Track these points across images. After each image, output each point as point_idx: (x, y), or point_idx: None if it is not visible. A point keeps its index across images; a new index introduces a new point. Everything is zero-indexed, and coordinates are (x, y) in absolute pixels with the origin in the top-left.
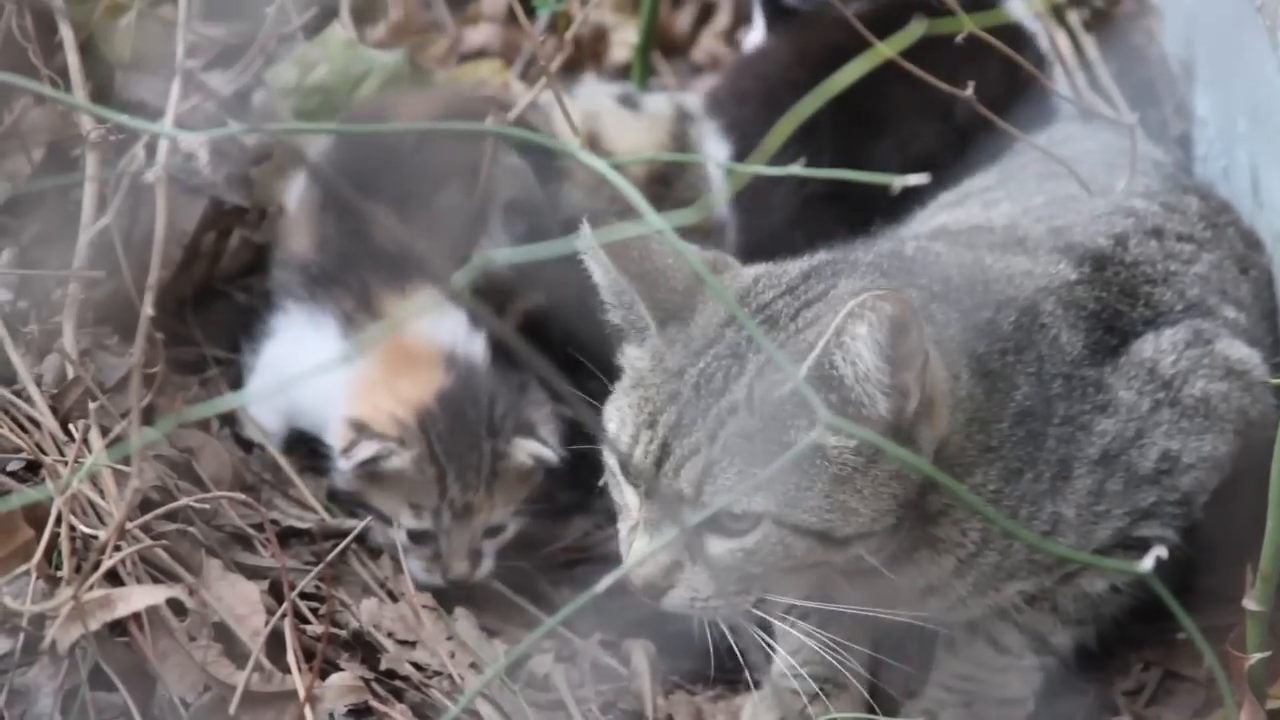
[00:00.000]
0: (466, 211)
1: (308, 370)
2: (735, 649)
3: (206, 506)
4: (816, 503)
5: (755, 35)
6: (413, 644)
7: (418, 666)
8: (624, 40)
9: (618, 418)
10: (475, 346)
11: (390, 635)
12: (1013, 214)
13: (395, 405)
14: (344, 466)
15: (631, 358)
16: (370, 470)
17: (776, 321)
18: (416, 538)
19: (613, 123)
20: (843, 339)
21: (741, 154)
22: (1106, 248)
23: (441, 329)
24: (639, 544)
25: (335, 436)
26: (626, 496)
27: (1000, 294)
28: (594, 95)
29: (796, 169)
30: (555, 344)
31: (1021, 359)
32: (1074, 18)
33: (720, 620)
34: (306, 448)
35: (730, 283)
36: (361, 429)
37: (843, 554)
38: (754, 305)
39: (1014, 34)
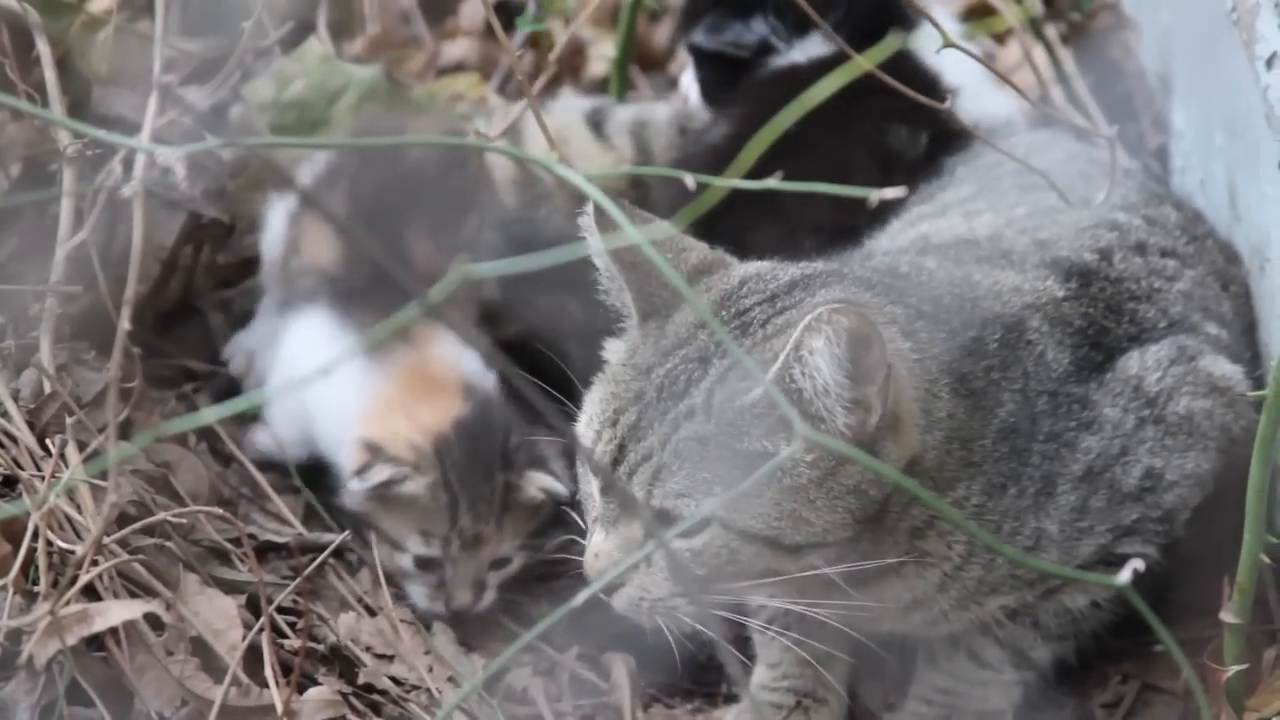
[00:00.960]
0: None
1: (307, 376)
2: (714, 662)
3: (184, 521)
4: (765, 509)
5: (688, 77)
6: (390, 658)
7: (395, 681)
8: (602, 54)
9: (588, 412)
10: (491, 378)
11: (368, 649)
12: (996, 225)
13: (412, 430)
14: (356, 488)
15: (611, 350)
16: (382, 494)
17: (748, 328)
18: (423, 564)
19: (576, 146)
20: (801, 352)
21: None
22: (1092, 263)
23: (462, 358)
24: (596, 538)
25: (348, 456)
26: (591, 489)
27: (988, 311)
28: (565, 111)
29: (773, 182)
30: (539, 368)
31: (1007, 376)
32: (1051, 31)
33: (670, 624)
34: (316, 465)
35: (717, 283)
36: (376, 451)
37: (794, 562)
38: (733, 309)
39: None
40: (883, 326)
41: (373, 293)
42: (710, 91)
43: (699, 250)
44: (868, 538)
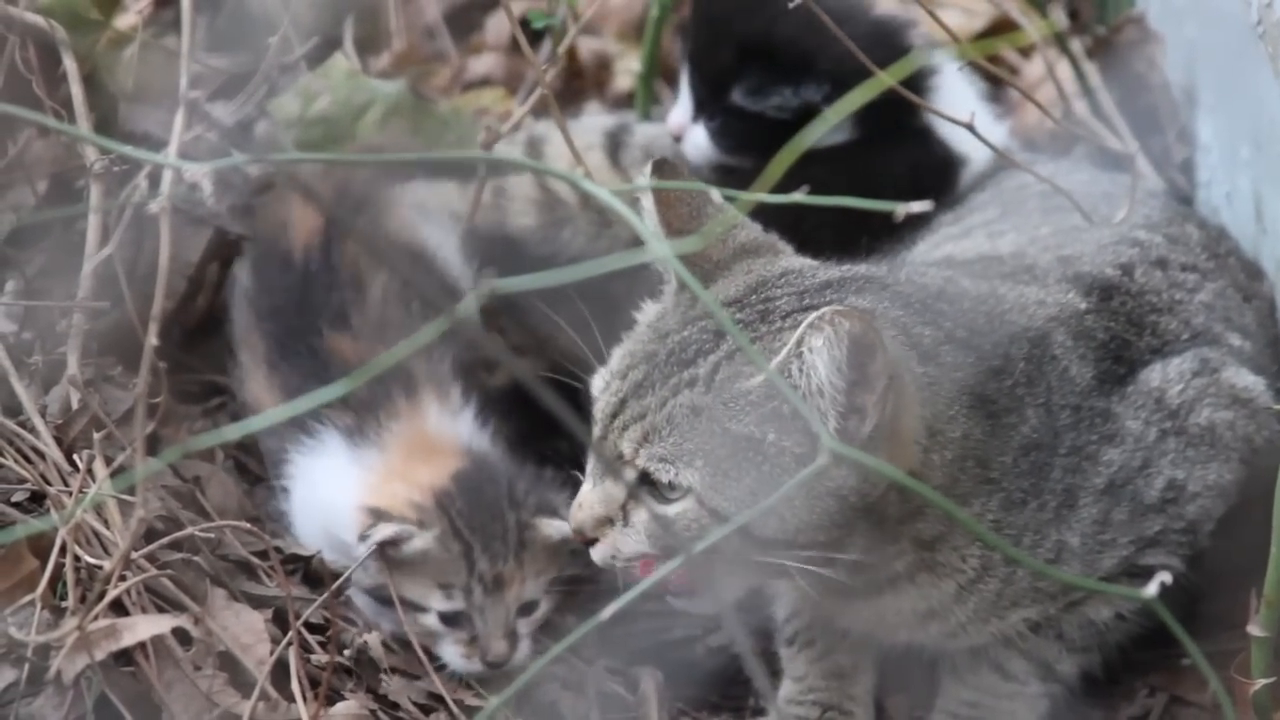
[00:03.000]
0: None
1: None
2: (741, 676)
3: (211, 536)
4: (739, 494)
5: (679, 114)
6: (417, 677)
7: (429, 694)
8: (628, 69)
9: (607, 363)
10: (485, 441)
11: (394, 670)
12: (1019, 243)
13: (411, 492)
14: (362, 552)
15: (644, 311)
16: (393, 556)
17: (769, 317)
18: (450, 620)
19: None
20: (802, 348)
21: None
22: (1114, 277)
23: (456, 422)
24: (584, 488)
25: (350, 528)
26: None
27: (1014, 326)
28: (585, 133)
29: (800, 196)
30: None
31: (1032, 392)
32: (1076, 45)
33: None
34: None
35: (759, 268)
36: (378, 514)
37: (764, 554)
38: (763, 296)
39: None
40: (897, 343)
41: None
42: (730, 147)
43: (751, 231)
44: (859, 546)
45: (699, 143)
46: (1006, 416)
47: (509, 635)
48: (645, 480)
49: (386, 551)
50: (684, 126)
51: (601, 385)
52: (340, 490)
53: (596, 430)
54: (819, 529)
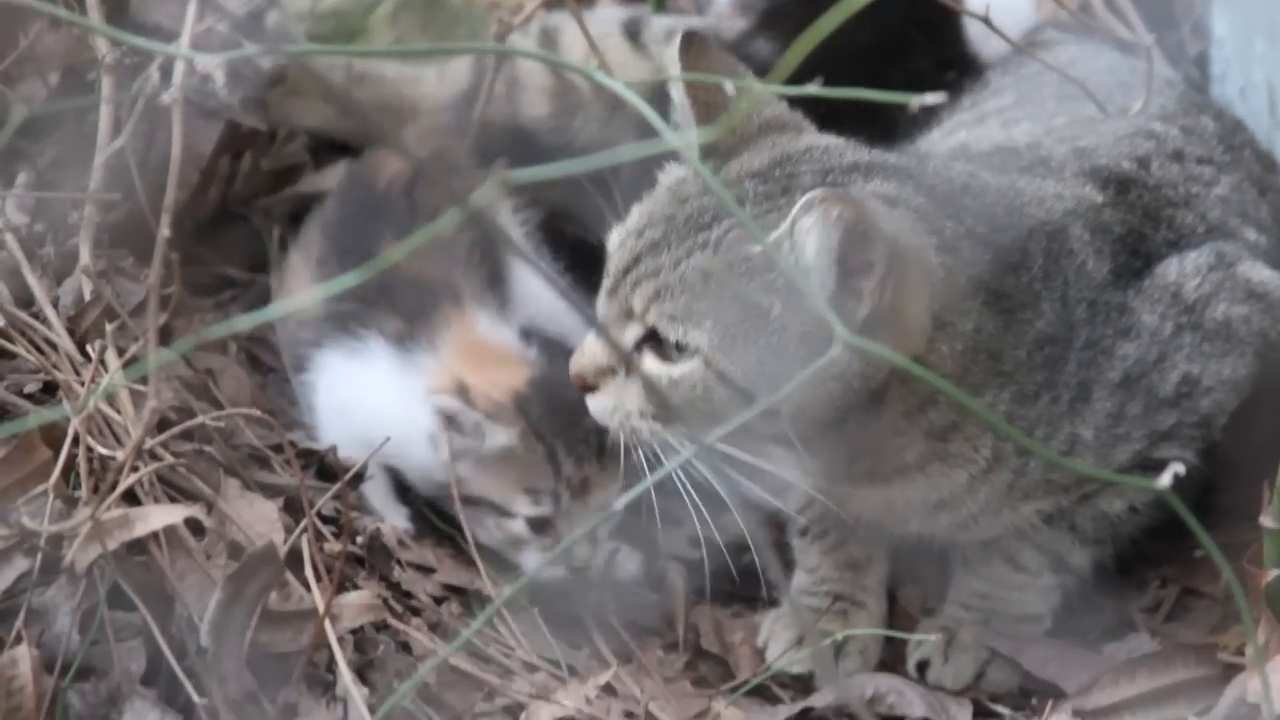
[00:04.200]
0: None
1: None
2: (754, 567)
3: (224, 425)
4: (745, 360)
5: None
6: (432, 570)
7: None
8: None
9: (624, 222)
10: (538, 355)
11: (409, 564)
12: (1034, 134)
13: (485, 390)
14: (442, 441)
15: (667, 172)
16: (473, 452)
17: (790, 190)
18: (537, 526)
19: (613, 56)
20: (794, 228)
21: None
22: (1130, 170)
23: (508, 336)
24: (589, 338)
25: (421, 424)
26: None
27: (1033, 219)
28: (601, 22)
29: (813, 88)
30: None
31: (1048, 286)
32: None
33: (632, 444)
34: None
35: (784, 143)
36: (454, 405)
37: (766, 422)
38: (786, 171)
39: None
40: (916, 231)
41: (370, 304)
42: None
43: (777, 108)
44: (866, 434)
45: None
46: (1022, 312)
47: (592, 539)
48: (652, 338)
49: (469, 438)
50: None
51: (617, 242)
52: (386, 393)
53: (608, 283)
54: (820, 407)
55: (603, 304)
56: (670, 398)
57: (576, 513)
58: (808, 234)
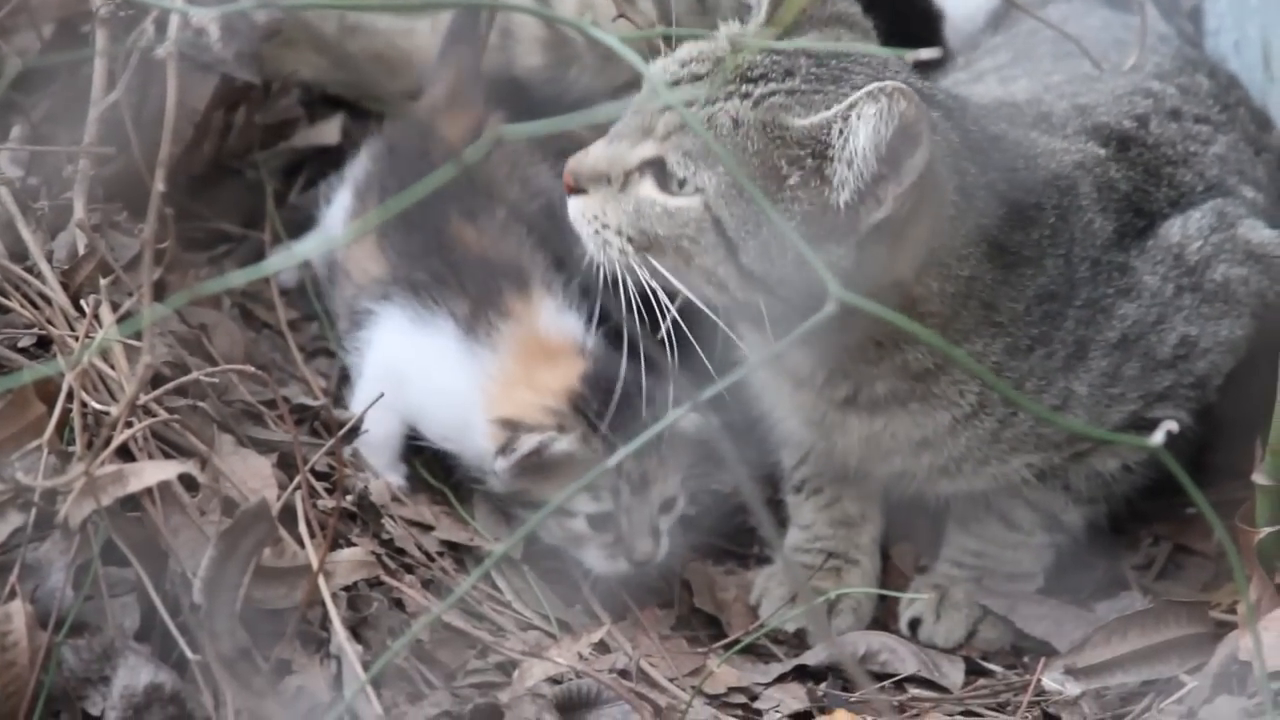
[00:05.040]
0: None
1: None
2: (747, 525)
3: (217, 381)
4: (744, 215)
5: None
6: (430, 527)
7: (442, 541)
8: None
9: (672, 52)
10: (598, 341)
11: (405, 520)
12: (1033, 90)
13: (541, 397)
14: (503, 466)
15: (723, 27)
16: (536, 463)
17: (840, 81)
18: (597, 523)
19: (601, 10)
20: (851, 113)
21: None
22: (1131, 129)
23: (567, 322)
24: (598, 143)
25: (484, 439)
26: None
27: (1047, 175)
28: None
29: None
30: None
31: (1055, 243)
32: None
33: (606, 262)
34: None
35: (850, 41)
36: (514, 426)
37: (740, 284)
38: (844, 65)
39: None
40: (946, 163)
41: (442, 280)
42: None
43: (852, 6)
44: (839, 341)
45: None
46: (1025, 267)
47: (653, 533)
48: (659, 164)
49: (529, 458)
50: None
51: (660, 67)
52: (446, 375)
53: (639, 96)
54: (798, 292)
55: (628, 116)
56: (656, 227)
57: (636, 507)
58: (865, 121)
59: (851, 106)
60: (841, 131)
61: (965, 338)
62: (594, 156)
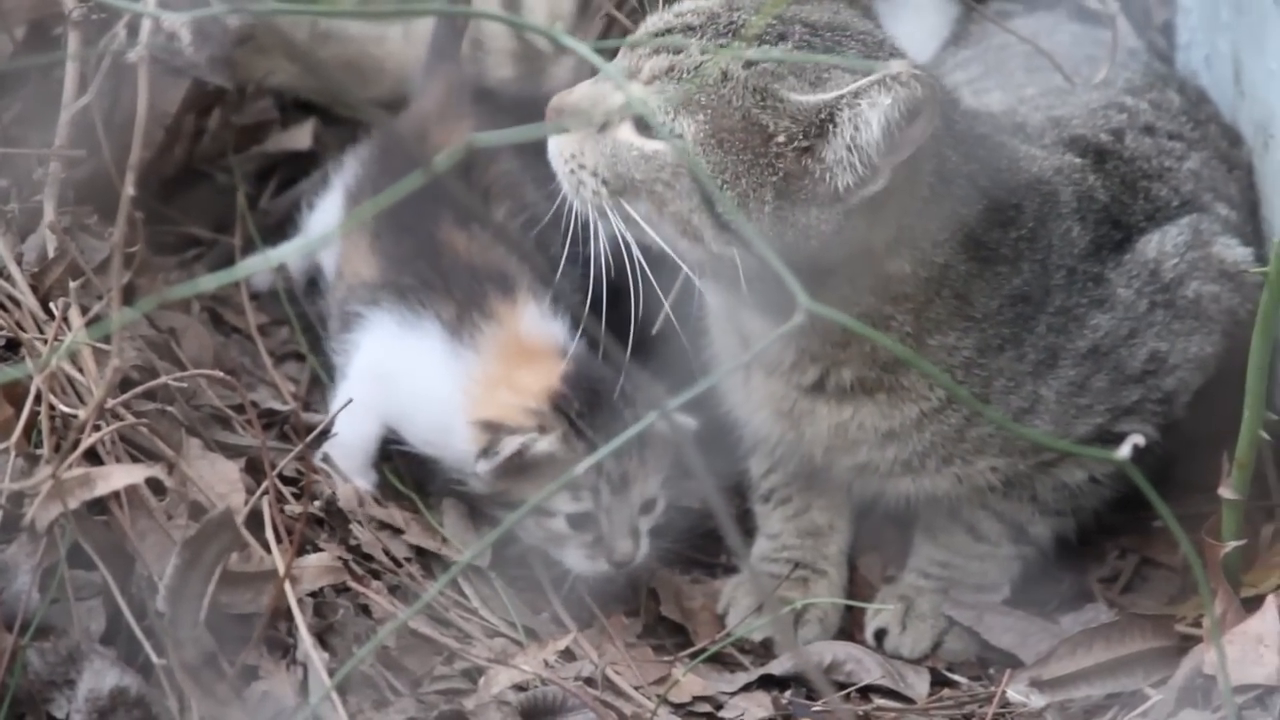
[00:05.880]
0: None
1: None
2: (715, 533)
3: (186, 386)
4: (723, 164)
5: None
6: (400, 530)
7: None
8: None
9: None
10: (579, 344)
11: (372, 520)
12: (1008, 102)
13: (522, 399)
14: (485, 469)
15: None
16: (517, 464)
17: (839, 47)
18: (576, 523)
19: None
20: (860, 101)
21: None
22: (1107, 143)
23: (550, 326)
24: (584, 83)
25: (466, 442)
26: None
27: (1027, 175)
28: None
29: (779, 53)
30: None
31: (1032, 246)
32: None
33: (579, 203)
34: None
35: (849, 16)
36: (495, 428)
37: (716, 235)
38: (839, 37)
39: None
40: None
41: (430, 285)
42: None
43: None
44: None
45: None
46: (1000, 265)
47: (633, 534)
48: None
49: (510, 461)
50: None
51: (656, 18)
52: (432, 378)
53: (631, 38)
54: (775, 248)
55: (617, 58)
56: (632, 171)
57: (616, 507)
58: (878, 110)
59: (860, 93)
60: (851, 120)
61: (938, 328)
62: (579, 95)
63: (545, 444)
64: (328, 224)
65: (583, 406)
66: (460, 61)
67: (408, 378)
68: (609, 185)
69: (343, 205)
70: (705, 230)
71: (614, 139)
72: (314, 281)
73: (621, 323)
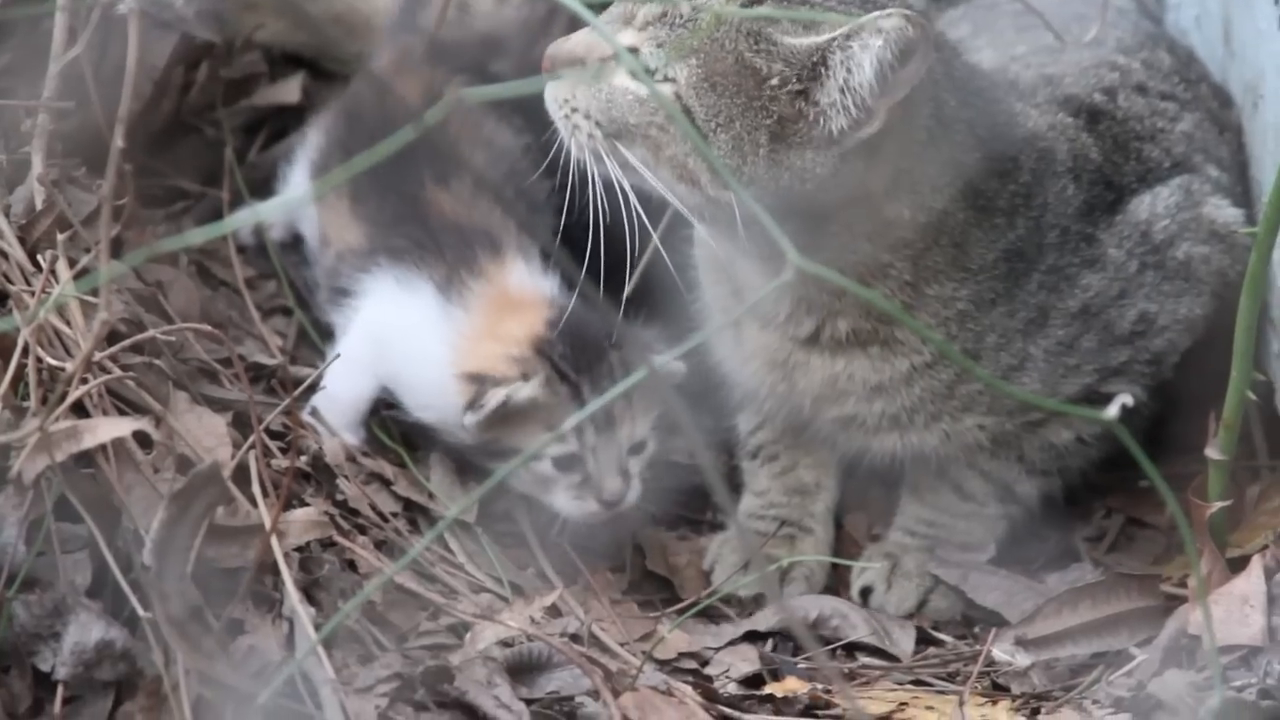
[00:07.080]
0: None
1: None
2: (701, 490)
3: (173, 339)
4: (716, 107)
5: None
6: (390, 482)
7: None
8: None
9: None
10: (568, 295)
11: (361, 473)
12: (999, 60)
13: (505, 347)
14: (471, 421)
15: None
16: (502, 413)
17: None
18: (563, 464)
19: None
20: (851, 43)
21: None
22: (1100, 102)
23: (540, 280)
24: (581, 30)
25: (453, 395)
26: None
27: (1024, 130)
28: None
29: (767, 10)
30: None
31: (1029, 203)
32: None
33: (575, 148)
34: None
35: None
36: (480, 379)
37: (712, 179)
38: None
39: None
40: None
41: (423, 246)
42: None
43: None
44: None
45: None
46: (997, 216)
47: (622, 473)
48: (634, 53)
49: (496, 412)
50: None
51: None
52: (427, 339)
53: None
54: (771, 192)
55: (614, 5)
56: (627, 115)
57: (602, 447)
58: (870, 52)
59: (852, 35)
60: (843, 62)
61: (935, 277)
62: (574, 42)
63: (528, 390)
64: (304, 185)
65: (565, 349)
66: (418, 27)
67: (402, 337)
68: (603, 129)
69: (317, 159)
70: (702, 174)
71: (609, 83)
72: (297, 240)
73: (616, 269)
